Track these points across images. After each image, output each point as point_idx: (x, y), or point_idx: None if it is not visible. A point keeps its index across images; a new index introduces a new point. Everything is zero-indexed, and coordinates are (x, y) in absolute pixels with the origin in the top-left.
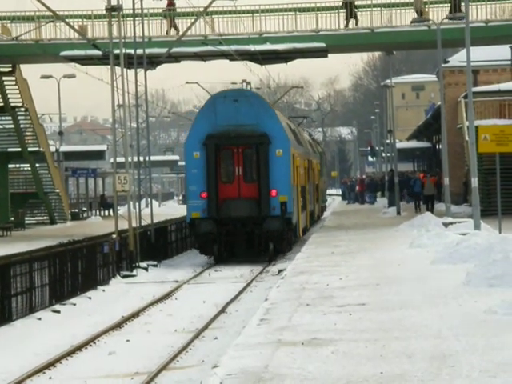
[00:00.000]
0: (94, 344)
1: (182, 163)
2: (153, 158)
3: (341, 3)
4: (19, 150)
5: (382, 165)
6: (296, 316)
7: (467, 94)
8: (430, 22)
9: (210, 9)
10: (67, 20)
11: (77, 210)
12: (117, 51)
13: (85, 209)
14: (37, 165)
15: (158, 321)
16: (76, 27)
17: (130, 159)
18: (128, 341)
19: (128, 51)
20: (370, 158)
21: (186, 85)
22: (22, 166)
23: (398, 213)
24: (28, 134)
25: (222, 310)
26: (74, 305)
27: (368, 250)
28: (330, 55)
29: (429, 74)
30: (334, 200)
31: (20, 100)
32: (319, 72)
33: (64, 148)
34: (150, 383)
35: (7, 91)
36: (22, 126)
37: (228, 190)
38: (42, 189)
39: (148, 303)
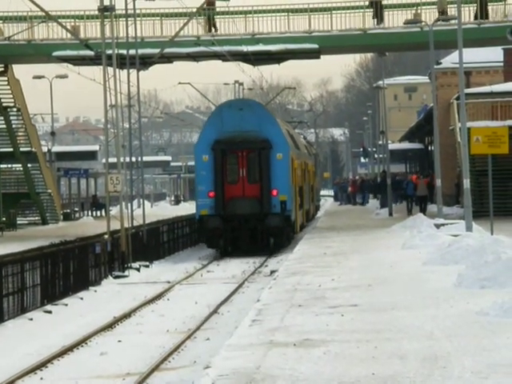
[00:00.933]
0: (85, 344)
1: (174, 164)
2: (145, 158)
3: (368, 3)
4: (11, 150)
5: (375, 166)
6: (288, 317)
7: (459, 95)
8: (423, 23)
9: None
10: (60, 20)
11: (69, 211)
12: (109, 51)
13: (77, 209)
14: (29, 165)
15: (150, 321)
16: (68, 27)
17: (122, 160)
18: (120, 341)
19: (120, 51)
20: (362, 159)
21: (179, 85)
22: (13, 166)
23: (390, 214)
24: (20, 134)
25: (214, 311)
26: (66, 305)
27: (360, 251)
28: (322, 56)
29: (421, 76)
30: (327, 201)
31: (12, 100)
32: (312, 73)
33: (56, 148)
34: None
35: None
36: (14, 126)
37: (233, 189)
38: (34, 189)
39: (140, 304)
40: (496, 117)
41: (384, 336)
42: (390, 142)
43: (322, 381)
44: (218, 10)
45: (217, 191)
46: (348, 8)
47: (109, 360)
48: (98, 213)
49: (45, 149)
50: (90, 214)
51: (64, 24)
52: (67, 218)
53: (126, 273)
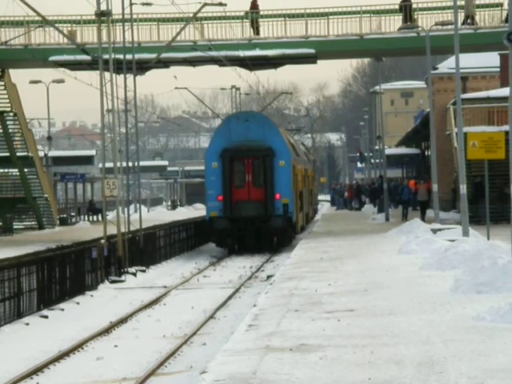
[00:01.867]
0: (81, 349)
1: (171, 169)
2: (142, 163)
3: (398, 6)
4: (7, 154)
5: (371, 171)
6: (284, 322)
7: (456, 100)
8: (419, 28)
9: (200, 14)
10: (56, 25)
11: (65, 215)
12: (106, 56)
13: (73, 214)
14: (25, 170)
15: (147, 326)
16: (65, 32)
17: (118, 164)
18: (116, 346)
19: (117, 56)
20: (359, 164)
21: (175, 90)
22: (10, 170)
23: (387, 219)
24: (17, 138)
25: (211, 316)
26: (62, 310)
27: (357, 255)
28: (319, 61)
29: (418, 81)
30: (323, 206)
31: (9, 105)
32: (308, 78)
33: (53, 153)
34: None
35: None
36: (10, 130)
37: (240, 193)
38: (31, 194)
39: (136, 309)
40: (492, 122)
41: (380, 341)
42: (386, 146)
43: None
44: (214, 15)
45: (225, 195)
46: (345, 13)
47: (105, 365)
48: (95, 217)
49: (41, 153)
50: (86, 218)
51: (61, 29)
52: (64, 222)
53: (123, 278)
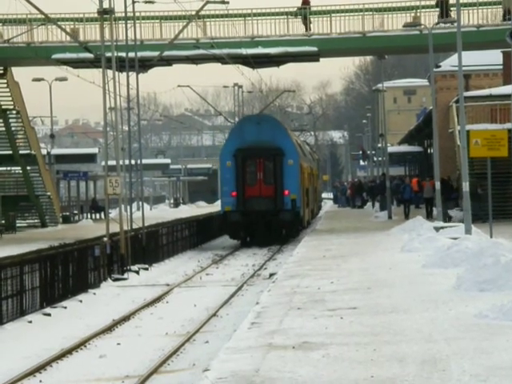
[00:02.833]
0: (84, 347)
1: (174, 166)
2: (144, 161)
3: (434, 2)
4: (10, 152)
5: (374, 169)
6: (287, 320)
7: (459, 98)
8: (422, 26)
9: (202, 12)
10: (59, 23)
11: (68, 213)
12: (109, 54)
13: (76, 212)
14: (28, 168)
15: (149, 324)
16: (68, 30)
17: (121, 162)
18: (119, 344)
19: (120, 54)
20: (361, 162)
21: (178, 88)
22: (13, 168)
23: (390, 217)
24: (19, 136)
25: (213, 314)
26: (65, 308)
27: (359, 253)
28: (321, 59)
29: (420, 79)
30: (326, 203)
31: (11, 103)
32: (311, 76)
33: (55, 151)
34: None
35: None
36: (13, 128)
37: (252, 190)
38: (33, 192)
39: (139, 306)
40: (495, 120)
41: (383, 339)
42: (389, 144)
43: None
44: (217, 13)
45: (238, 191)
46: (347, 11)
47: (108, 363)
48: (98, 215)
49: (44, 151)
50: (89, 216)
51: (63, 27)
52: (66, 220)
53: (126, 275)
